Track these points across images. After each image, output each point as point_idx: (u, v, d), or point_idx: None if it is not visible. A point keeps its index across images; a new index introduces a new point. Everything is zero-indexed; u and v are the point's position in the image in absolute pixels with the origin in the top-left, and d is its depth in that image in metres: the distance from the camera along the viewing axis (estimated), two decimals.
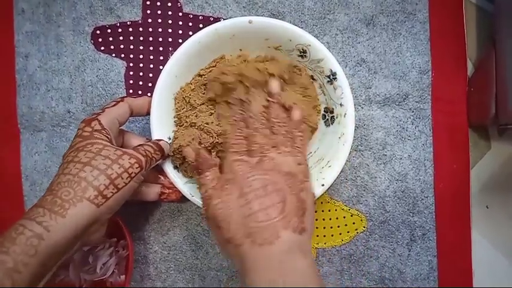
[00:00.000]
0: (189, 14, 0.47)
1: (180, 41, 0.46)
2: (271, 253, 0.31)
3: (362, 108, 0.46)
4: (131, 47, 0.47)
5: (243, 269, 0.31)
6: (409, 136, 0.46)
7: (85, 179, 0.33)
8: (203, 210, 0.36)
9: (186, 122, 0.42)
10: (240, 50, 0.43)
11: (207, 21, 0.46)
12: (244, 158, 0.36)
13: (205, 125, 0.41)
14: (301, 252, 0.32)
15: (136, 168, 0.36)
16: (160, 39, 0.47)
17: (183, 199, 0.42)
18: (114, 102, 0.39)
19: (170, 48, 0.47)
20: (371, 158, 0.46)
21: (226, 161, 0.37)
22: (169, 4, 0.47)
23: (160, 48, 0.47)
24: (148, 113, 0.41)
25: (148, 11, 0.47)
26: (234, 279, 0.47)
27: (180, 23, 0.47)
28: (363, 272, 0.46)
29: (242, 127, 0.39)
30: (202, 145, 0.41)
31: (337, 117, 0.42)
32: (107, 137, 0.37)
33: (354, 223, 0.46)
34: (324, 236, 0.46)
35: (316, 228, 0.46)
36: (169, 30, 0.47)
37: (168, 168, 0.41)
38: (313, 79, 0.43)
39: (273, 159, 0.36)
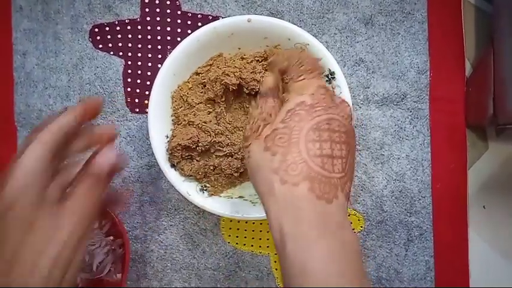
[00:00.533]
0: (188, 12, 0.47)
1: (179, 39, 0.46)
2: (330, 213, 0.27)
3: (360, 107, 0.46)
4: (129, 45, 0.47)
5: (295, 217, 0.26)
6: (407, 136, 0.46)
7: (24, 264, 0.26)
8: (252, 130, 0.30)
9: (184, 120, 0.42)
10: (239, 48, 0.43)
11: (206, 19, 0.46)
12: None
13: (203, 123, 0.41)
14: (349, 223, 0.28)
15: (81, 229, 0.28)
16: (159, 38, 0.47)
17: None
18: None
19: (168, 47, 0.47)
20: (369, 157, 0.46)
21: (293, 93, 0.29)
22: (168, 2, 0.46)
23: (159, 47, 0.47)
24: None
25: (147, 9, 0.47)
26: (231, 278, 0.46)
27: (179, 21, 0.47)
28: None
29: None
30: (200, 143, 0.41)
31: None
32: (39, 185, 0.27)
33: (351, 223, 0.46)
34: None
35: None
36: (168, 29, 0.47)
37: (165, 166, 0.41)
38: None
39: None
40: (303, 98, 0.28)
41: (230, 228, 0.47)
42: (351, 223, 0.46)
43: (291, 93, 0.29)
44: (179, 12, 0.47)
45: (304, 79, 0.30)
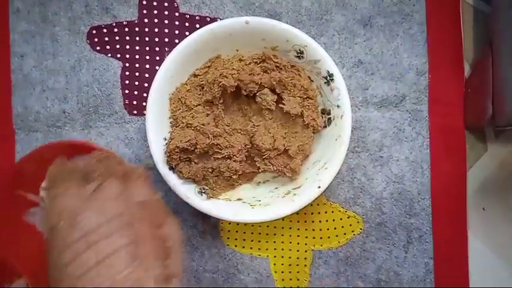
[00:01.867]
0: (186, 14, 0.46)
1: (177, 41, 0.46)
2: None
3: (359, 109, 0.46)
4: (127, 47, 0.47)
5: None
6: (406, 138, 0.46)
7: None
8: None
9: (182, 122, 0.42)
10: (237, 50, 0.43)
11: (204, 21, 0.46)
12: (72, 189, 0.27)
13: (201, 126, 0.41)
14: None
15: None
16: (157, 40, 0.46)
17: None
18: None
19: (166, 49, 0.46)
20: (368, 159, 0.46)
21: (50, 201, 0.27)
22: (166, 4, 0.46)
23: (157, 49, 0.47)
24: None
25: (145, 11, 0.46)
26: (230, 281, 0.46)
27: (177, 23, 0.46)
28: (359, 274, 0.46)
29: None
30: (199, 146, 0.41)
31: (334, 119, 0.41)
32: None
33: (350, 225, 0.46)
34: (321, 238, 0.46)
35: (313, 230, 0.46)
36: (166, 31, 0.46)
37: (164, 169, 0.41)
38: (311, 80, 0.42)
39: (117, 186, 0.27)
40: None
41: (229, 231, 0.46)
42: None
43: None
44: (177, 14, 0.46)
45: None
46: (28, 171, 0.42)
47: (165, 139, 0.42)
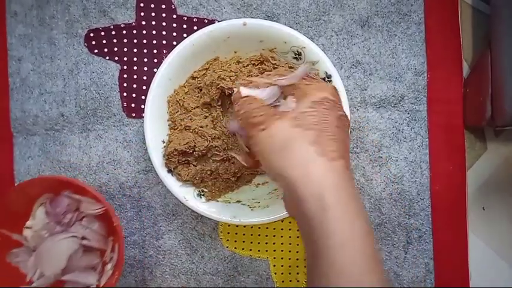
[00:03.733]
0: (183, 16, 0.46)
1: (175, 43, 0.46)
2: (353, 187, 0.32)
3: (357, 110, 0.46)
4: (125, 49, 0.47)
5: (336, 186, 0.29)
6: (405, 138, 0.46)
7: None
8: (268, 115, 0.32)
9: (181, 125, 0.42)
10: (235, 52, 0.42)
11: (202, 23, 0.46)
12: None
13: (199, 128, 0.41)
14: None
15: None
16: (155, 42, 0.46)
17: None
18: None
19: (164, 51, 0.46)
20: (367, 160, 0.46)
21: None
22: (164, 6, 0.46)
23: (155, 51, 0.46)
24: None
25: (142, 14, 0.46)
26: (229, 283, 0.46)
27: (174, 25, 0.46)
28: None
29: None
30: (197, 148, 0.41)
31: None
32: None
33: None
34: None
35: None
36: (164, 33, 0.46)
37: (162, 172, 0.41)
38: None
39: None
40: (326, 94, 0.32)
41: (228, 233, 0.46)
42: None
43: (308, 91, 0.33)
44: (175, 16, 0.46)
45: (311, 84, 0.34)
46: (12, 208, 0.42)
47: (164, 142, 0.42)
